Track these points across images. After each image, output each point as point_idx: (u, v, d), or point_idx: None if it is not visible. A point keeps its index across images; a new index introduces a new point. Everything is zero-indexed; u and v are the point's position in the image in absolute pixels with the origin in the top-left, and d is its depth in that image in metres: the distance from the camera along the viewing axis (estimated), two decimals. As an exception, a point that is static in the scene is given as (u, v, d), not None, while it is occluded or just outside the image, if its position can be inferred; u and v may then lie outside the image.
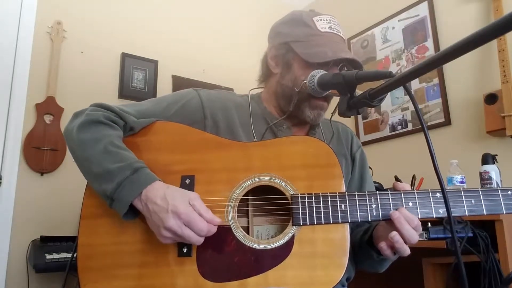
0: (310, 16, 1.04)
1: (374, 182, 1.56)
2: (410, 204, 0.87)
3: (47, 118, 2.30)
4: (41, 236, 2.05)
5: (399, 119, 2.60)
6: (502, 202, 0.87)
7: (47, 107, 2.30)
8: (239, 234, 0.86)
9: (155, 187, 0.82)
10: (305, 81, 0.97)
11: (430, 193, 0.88)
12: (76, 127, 0.91)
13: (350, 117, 0.92)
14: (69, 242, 2.06)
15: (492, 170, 1.77)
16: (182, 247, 0.84)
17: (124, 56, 2.63)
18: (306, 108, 1.02)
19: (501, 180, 1.79)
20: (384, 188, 2.20)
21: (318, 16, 1.04)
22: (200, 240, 0.81)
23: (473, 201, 0.87)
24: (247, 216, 0.93)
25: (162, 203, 0.79)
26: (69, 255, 1.94)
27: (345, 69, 1.04)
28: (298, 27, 1.04)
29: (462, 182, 1.83)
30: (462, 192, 0.88)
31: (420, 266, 1.77)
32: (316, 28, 1.02)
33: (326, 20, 1.04)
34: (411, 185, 2.21)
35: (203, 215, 0.80)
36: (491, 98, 2.04)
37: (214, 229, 0.82)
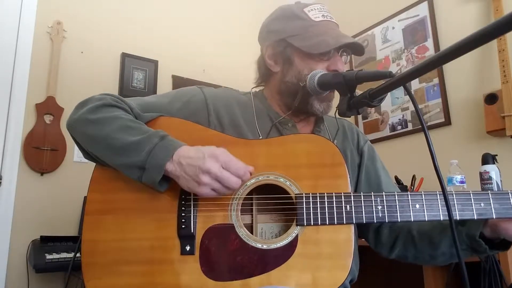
0: (300, 8, 1.03)
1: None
2: (417, 206, 0.86)
3: (47, 118, 2.29)
4: (41, 236, 2.05)
5: (399, 119, 2.60)
6: None
7: (47, 107, 2.30)
8: (242, 233, 0.85)
9: (185, 148, 0.84)
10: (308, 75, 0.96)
11: (437, 195, 0.86)
12: (87, 111, 0.91)
13: (350, 117, 0.92)
14: (69, 242, 2.06)
15: (492, 170, 1.77)
16: (185, 245, 0.84)
17: (124, 56, 2.63)
18: (314, 101, 1.00)
19: (501, 180, 1.79)
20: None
21: (308, 7, 1.02)
22: (239, 182, 0.82)
23: (482, 204, 0.85)
24: (251, 214, 0.92)
25: (196, 154, 0.81)
26: (69, 255, 1.94)
27: (345, 54, 1.04)
28: (291, 21, 1.02)
29: (462, 182, 1.83)
30: (471, 195, 0.86)
31: (420, 266, 1.77)
32: (309, 18, 1.00)
33: (317, 9, 1.02)
34: (411, 185, 2.21)
35: (237, 159, 0.84)
36: (491, 98, 2.04)
37: (248, 175, 0.84)
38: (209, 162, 0.80)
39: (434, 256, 0.98)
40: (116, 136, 0.85)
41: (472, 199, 0.86)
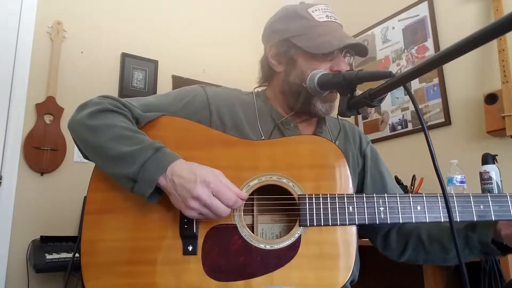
0: (305, 8, 1.03)
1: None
2: (418, 207, 0.87)
3: (47, 118, 2.29)
4: (41, 236, 2.05)
5: (399, 119, 2.60)
6: (511, 208, 0.86)
7: (47, 107, 2.30)
8: (245, 233, 0.85)
9: (179, 163, 0.83)
10: None
11: (438, 197, 0.87)
12: (85, 116, 0.90)
13: (350, 117, 0.92)
14: (69, 242, 2.06)
15: (492, 170, 1.77)
16: (188, 245, 0.84)
17: (124, 56, 2.63)
18: (317, 101, 1.00)
19: (501, 180, 1.79)
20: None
21: (312, 7, 1.02)
22: (228, 211, 0.81)
23: (481, 207, 0.87)
24: (252, 215, 0.92)
25: (189, 175, 0.80)
26: (69, 255, 1.94)
27: (349, 55, 1.03)
28: (295, 21, 1.02)
29: (462, 182, 1.83)
30: (471, 197, 0.87)
31: (420, 266, 1.77)
32: (313, 19, 1.00)
33: (322, 9, 1.02)
34: (411, 185, 2.21)
35: (230, 187, 0.82)
36: (491, 98, 2.04)
37: (240, 202, 0.83)
38: (200, 188, 0.79)
39: (446, 258, 1.00)
40: (110, 145, 0.84)
41: (472, 201, 0.87)
